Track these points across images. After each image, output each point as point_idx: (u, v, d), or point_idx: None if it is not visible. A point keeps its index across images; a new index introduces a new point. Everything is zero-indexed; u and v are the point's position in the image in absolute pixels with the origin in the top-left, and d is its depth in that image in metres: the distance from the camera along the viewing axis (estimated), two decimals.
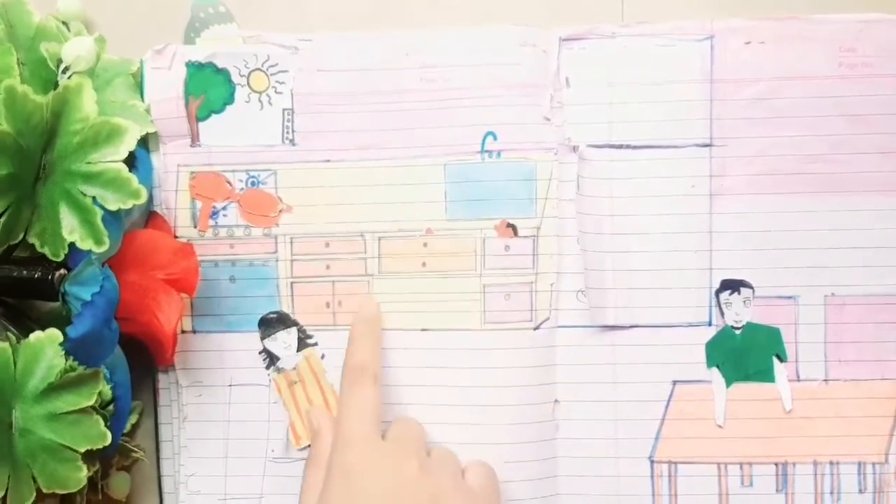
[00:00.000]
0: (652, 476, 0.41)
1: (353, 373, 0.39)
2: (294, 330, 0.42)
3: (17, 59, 0.36)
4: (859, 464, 0.41)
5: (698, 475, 0.41)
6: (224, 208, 0.42)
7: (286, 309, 0.42)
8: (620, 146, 0.41)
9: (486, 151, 0.41)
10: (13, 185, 0.35)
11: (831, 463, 0.41)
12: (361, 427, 0.37)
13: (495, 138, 0.41)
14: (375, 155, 0.41)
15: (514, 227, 0.41)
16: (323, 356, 0.42)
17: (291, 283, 0.42)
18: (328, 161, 0.42)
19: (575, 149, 0.41)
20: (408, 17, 0.42)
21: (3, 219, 0.35)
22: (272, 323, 0.42)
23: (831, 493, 0.41)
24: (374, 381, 0.39)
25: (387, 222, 0.42)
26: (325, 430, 0.40)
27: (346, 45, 0.41)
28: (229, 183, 0.42)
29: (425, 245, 0.41)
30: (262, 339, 0.42)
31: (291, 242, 0.42)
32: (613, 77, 0.41)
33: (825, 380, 0.41)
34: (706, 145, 0.41)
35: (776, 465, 0.41)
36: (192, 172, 0.42)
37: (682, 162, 0.41)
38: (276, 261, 0.42)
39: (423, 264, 0.41)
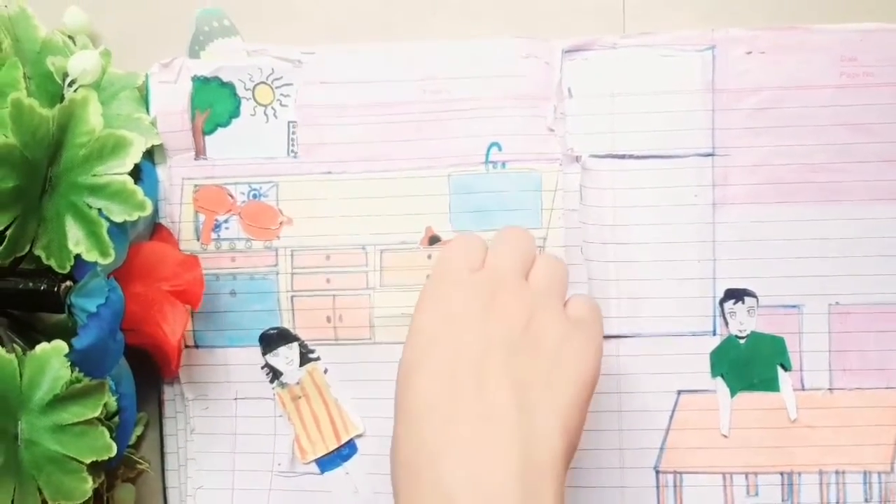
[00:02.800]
0: (657, 486, 0.41)
1: (458, 236, 0.38)
2: (295, 345, 0.42)
3: (24, 72, 0.36)
4: (865, 473, 0.41)
5: (704, 485, 0.41)
6: (226, 221, 0.42)
7: (286, 323, 0.42)
8: (623, 156, 0.41)
9: (491, 162, 0.41)
10: (19, 197, 0.35)
11: (837, 472, 0.41)
12: (460, 261, 0.36)
13: (500, 149, 0.41)
14: (378, 167, 0.42)
15: None
16: (326, 371, 0.42)
17: (292, 296, 0.42)
18: (329, 173, 0.42)
19: (578, 159, 0.41)
20: (411, 30, 0.42)
21: (9, 231, 0.35)
22: (273, 339, 0.42)
23: (837, 502, 0.41)
24: (478, 235, 0.37)
25: (389, 234, 0.42)
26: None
27: (350, 58, 0.42)
28: (231, 196, 0.42)
29: (429, 257, 0.42)
30: (264, 354, 0.42)
31: (292, 255, 0.42)
32: (615, 88, 0.41)
33: (830, 389, 0.41)
34: (708, 155, 0.41)
35: (782, 474, 0.41)
36: (196, 186, 0.42)
37: (685, 172, 0.41)
38: (277, 274, 0.42)
39: (427, 276, 0.42)
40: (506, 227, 0.38)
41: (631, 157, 0.41)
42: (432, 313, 0.35)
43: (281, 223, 0.42)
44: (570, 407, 0.33)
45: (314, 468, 0.42)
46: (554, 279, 0.36)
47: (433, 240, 0.41)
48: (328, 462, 0.42)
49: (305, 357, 0.42)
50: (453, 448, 0.31)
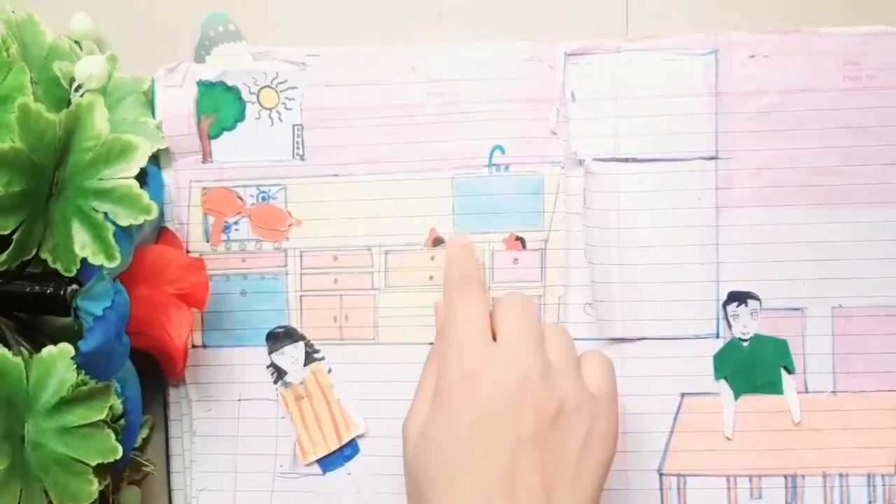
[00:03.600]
0: (661, 489, 0.41)
1: (459, 280, 0.38)
2: (301, 344, 0.42)
3: (31, 77, 0.36)
4: (868, 475, 0.41)
5: (707, 487, 0.41)
6: (236, 223, 0.42)
7: (294, 323, 0.42)
8: (626, 160, 0.41)
9: (494, 165, 0.41)
10: (26, 201, 0.35)
11: (840, 475, 0.41)
12: (475, 332, 0.36)
13: (503, 152, 0.41)
14: (383, 169, 0.42)
15: (522, 241, 0.41)
16: (330, 371, 0.42)
17: (300, 296, 0.42)
18: (336, 175, 0.42)
19: (581, 162, 0.41)
20: (415, 32, 0.43)
21: (16, 235, 0.35)
22: (280, 337, 0.42)
23: None
24: (480, 288, 0.38)
25: (394, 236, 0.42)
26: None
27: (354, 60, 0.42)
28: (240, 198, 0.42)
29: (433, 258, 0.42)
30: (270, 353, 0.43)
31: (301, 256, 0.42)
32: (619, 91, 0.41)
33: (833, 391, 0.41)
34: (712, 158, 0.41)
35: (785, 477, 0.41)
36: (205, 188, 0.42)
37: (688, 175, 0.41)
38: (286, 274, 0.42)
39: (431, 278, 0.42)
40: (509, 295, 0.38)
41: (634, 160, 0.41)
42: (458, 389, 0.35)
43: (290, 225, 0.42)
44: (593, 497, 0.34)
45: (316, 469, 0.42)
46: (569, 350, 0.36)
47: (437, 241, 0.42)
48: (330, 463, 0.42)
49: (310, 356, 0.42)
50: None
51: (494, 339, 0.36)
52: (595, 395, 0.35)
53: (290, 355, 0.43)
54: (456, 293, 0.38)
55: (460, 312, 0.37)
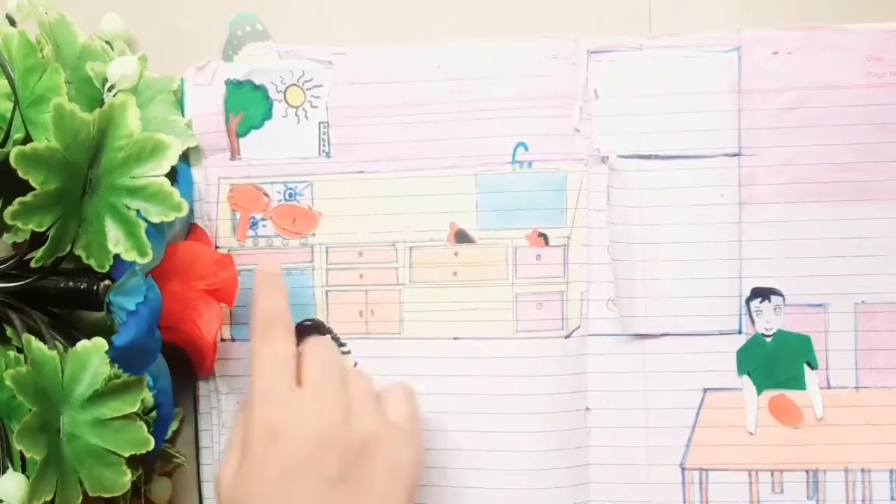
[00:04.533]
0: (683, 483, 0.41)
1: (263, 327, 0.37)
2: (328, 338, 0.43)
3: (65, 78, 0.37)
4: (891, 471, 0.41)
5: (729, 482, 0.41)
6: (262, 219, 0.43)
7: (321, 317, 0.43)
8: (649, 156, 0.41)
9: (517, 162, 0.42)
10: (61, 199, 0.35)
11: (863, 470, 0.41)
12: (278, 381, 0.36)
13: (526, 149, 0.41)
14: (407, 166, 0.42)
15: (545, 237, 0.42)
16: (356, 364, 0.43)
17: (326, 291, 0.43)
18: (362, 172, 0.42)
19: (604, 159, 0.41)
20: (439, 30, 0.43)
21: (51, 232, 0.35)
22: (308, 330, 0.43)
23: (863, 500, 0.41)
24: (285, 332, 0.37)
25: (418, 232, 0.42)
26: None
27: (379, 59, 0.42)
28: (266, 195, 0.43)
29: (456, 254, 0.42)
30: (298, 346, 0.43)
31: (327, 252, 0.43)
32: (642, 88, 0.41)
33: (856, 387, 0.41)
34: (735, 155, 0.41)
35: (807, 472, 0.41)
36: (232, 185, 0.43)
37: (711, 171, 0.41)
38: (313, 270, 0.43)
39: (454, 273, 0.42)
40: (310, 342, 0.39)
41: (657, 157, 0.41)
42: (262, 439, 0.35)
43: (311, 222, 0.43)
44: None
45: None
46: (368, 387, 0.38)
47: (459, 236, 0.42)
48: None
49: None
50: None
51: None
52: (397, 425, 0.37)
53: None
54: (260, 342, 0.37)
55: (263, 362, 0.37)
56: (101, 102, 0.38)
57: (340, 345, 0.43)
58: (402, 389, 0.39)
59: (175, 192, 0.37)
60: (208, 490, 0.44)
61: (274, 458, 0.35)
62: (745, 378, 0.41)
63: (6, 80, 0.36)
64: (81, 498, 0.37)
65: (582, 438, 0.42)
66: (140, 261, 0.36)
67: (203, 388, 0.44)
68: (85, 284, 0.39)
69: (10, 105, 0.36)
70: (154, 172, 0.37)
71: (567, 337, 0.41)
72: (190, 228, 0.43)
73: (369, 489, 0.35)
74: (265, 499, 0.35)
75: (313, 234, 0.43)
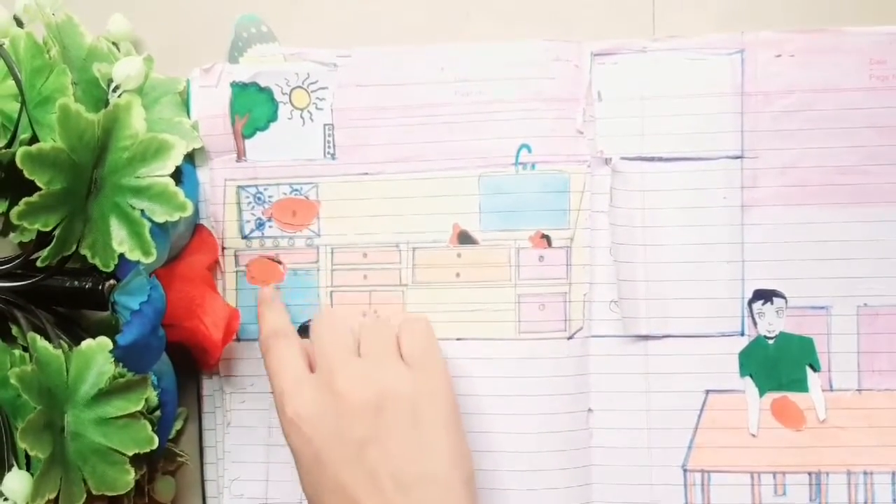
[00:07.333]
0: (685, 485, 0.42)
1: (269, 338, 0.40)
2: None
3: (71, 79, 0.37)
4: (893, 473, 0.41)
5: (731, 484, 0.41)
6: (269, 220, 0.43)
7: None
8: (652, 158, 0.41)
9: (521, 163, 0.42)
10: (67, 199, 0.36)
11: (865, 473, 0.41)
12: (293, 375, 0.38)
13: (529, 151, 0.42)
14: (412, 167, 0.42)
15: (548, 238, 0.42)
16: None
17: (331, 291, 0.43)
18: (366, 174, 0.43)
19: (607, 161, 0.41)
20: (443, 33, 0.43)
21: (57, 231, 0.35)
22: None
23: (865, 502, 0.41)
24: (288, 334, 0.40)
25: (421, 233, 0.42)
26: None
27: (383, 61, 0.42)
28: (281, 264, 0.43)
29: (459, 256, 0.42)
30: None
31: (332, 252, 0.43)
32: (645, 91, 0.41)
33: (858, 390, 0.41)
34: (737, 157, 0.41)
35: (809, 474, 0.41)
36: (238, 187, 0.43)
37: (714, 174, 0.41)
38: (318, 270, 0.43)
39: (458, 275, 0.42)
40: (314, 319, 0.41)
41: (660, 159, 0.41)
42: (291, 434, 0.38)
43: (312, 213, 0.43)
44: (454, 440, 0.37)
45: None
46: (383, 338, 0.39)
47: (462, 237, 0.42)
48: None
49: None
50: None
51: None
52: (411, 364, 0.38)
53: None
54: (267, 354, 0.40)
55: (273, 366, 0.39)
56: (107, 103, 0.38)
57: None
58: (413, 324, 0.40)
59: (179, 192, 0.37)
60: (212, 489, 0.44)
61: (307, 446, 0.37)
62: (748, 380, 0.41)
63: (13, 81, 0.37)
64: (85, 496, 0.37)
65: (584, 439, 0.42)
66: (144, 260, 0.36)
67: (207, 387, 0.44)
68: (90, 284, 0.39)
69: (17, 106, 0.36)
70: (158, 172, 0.37)
71: (569, 338, 0.41)
72: (195, 229, 0.43)
73: (401, 434, 0.36)
74: (313, 488, 0.37)
75: (316, 228, 0.43)
